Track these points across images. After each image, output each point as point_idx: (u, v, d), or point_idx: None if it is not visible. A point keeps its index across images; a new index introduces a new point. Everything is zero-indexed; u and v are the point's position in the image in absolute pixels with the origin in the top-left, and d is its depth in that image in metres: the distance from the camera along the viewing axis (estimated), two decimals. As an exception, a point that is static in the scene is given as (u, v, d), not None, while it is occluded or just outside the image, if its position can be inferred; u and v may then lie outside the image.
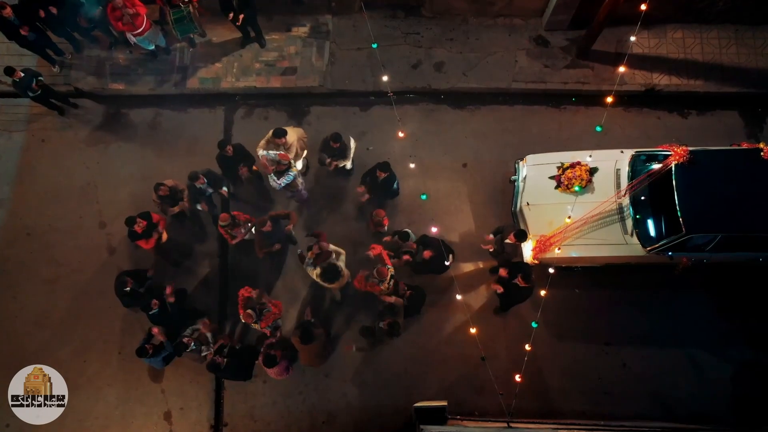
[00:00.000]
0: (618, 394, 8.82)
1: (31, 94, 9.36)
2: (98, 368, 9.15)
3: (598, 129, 8.05)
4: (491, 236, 8.67)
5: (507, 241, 8.18)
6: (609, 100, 7.99)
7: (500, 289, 8.03)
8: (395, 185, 8.87)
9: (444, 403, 7.56)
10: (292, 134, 8.71)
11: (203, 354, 8.09)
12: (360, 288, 8.07)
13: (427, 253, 8.05)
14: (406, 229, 8.70)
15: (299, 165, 9.02)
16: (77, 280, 9.50)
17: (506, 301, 8.45)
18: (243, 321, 8.03)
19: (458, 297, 8.03)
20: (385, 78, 8.42)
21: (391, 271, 7.83)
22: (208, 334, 8.25)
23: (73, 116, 10.34)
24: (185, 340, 7.97)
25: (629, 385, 8.84)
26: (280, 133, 8.37)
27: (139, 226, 8.23)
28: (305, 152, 9.14)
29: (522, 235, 8.04)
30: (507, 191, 9.45)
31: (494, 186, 9.71)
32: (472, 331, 7.54)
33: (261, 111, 10.28)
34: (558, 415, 8.74)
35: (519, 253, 8.71)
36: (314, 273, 8.09)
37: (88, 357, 9.18)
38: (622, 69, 8.54)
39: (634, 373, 8.88)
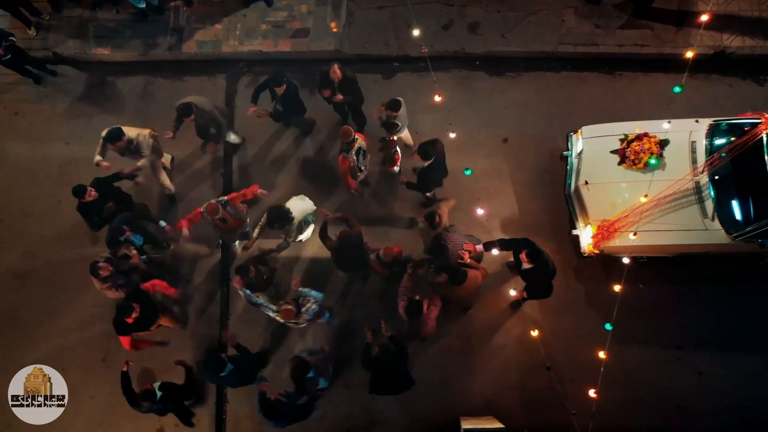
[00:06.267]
0: (692, 408, 7.60)
1: (-1, 59, 8.15)
2: (78, 378, 7.94)
3: (677, 89, 6.74)
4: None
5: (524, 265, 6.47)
6: (689, 54, 6.71)
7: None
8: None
9: (499, 424, 6.17)
10: (132, 131, 7.47)
11: None
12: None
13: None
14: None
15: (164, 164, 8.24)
16: (53, 273, 8.33)
17: (532, 291, 6.87)
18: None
19: (512, 292, 6.67)
20: (416, 32, 7.12)
21: None
22: None
23: (51, 85, 9.27)
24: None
25: (705, 398, 7.61)
26: (115, 137, 7.19)
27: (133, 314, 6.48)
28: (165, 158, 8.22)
29: (536, 254, 6.27)
30: (554, 170, 8.24)
31: (539, 164, 8.45)
32: (534, 334, 6.17)
33: (268, 80, 9.01)
34: (622, 432, 7.50)
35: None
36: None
37: (67, 365, 7.98)
38: (690, 27, 7.27)
39: (712, 383, 7.65)
